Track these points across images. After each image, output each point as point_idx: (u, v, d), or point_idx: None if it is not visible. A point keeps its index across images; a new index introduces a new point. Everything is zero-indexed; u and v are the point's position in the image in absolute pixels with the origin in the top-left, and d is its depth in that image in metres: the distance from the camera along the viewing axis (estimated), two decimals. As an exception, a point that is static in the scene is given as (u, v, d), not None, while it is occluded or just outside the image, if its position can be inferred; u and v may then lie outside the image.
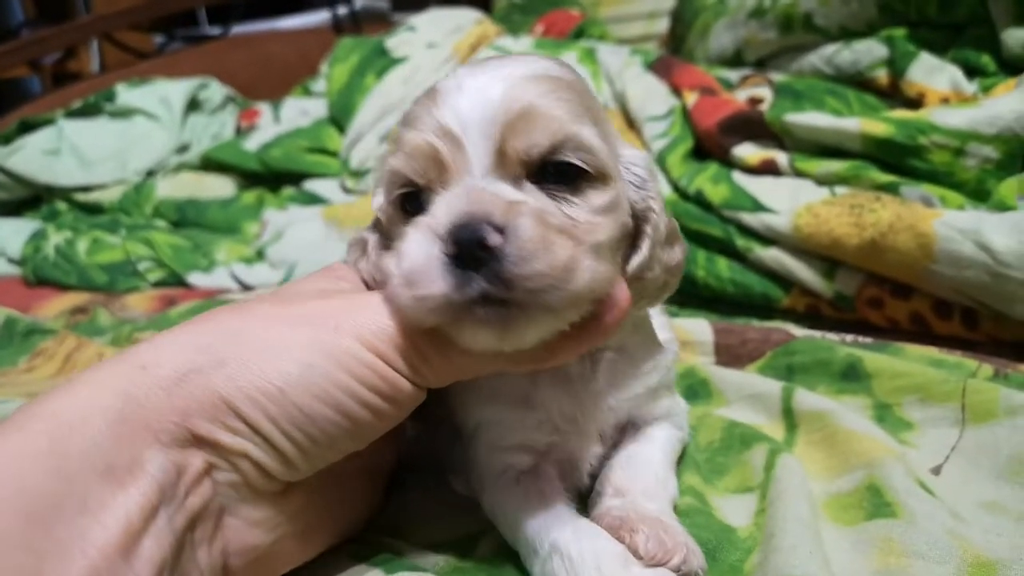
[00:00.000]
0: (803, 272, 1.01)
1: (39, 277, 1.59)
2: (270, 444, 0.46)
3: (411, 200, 0.50)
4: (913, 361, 0.75)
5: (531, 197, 0.46)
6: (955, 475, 0.63)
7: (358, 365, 0.47)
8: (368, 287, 0.56)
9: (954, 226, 0.85)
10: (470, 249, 0.43)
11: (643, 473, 0.59)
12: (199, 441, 0.45)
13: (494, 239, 0.42)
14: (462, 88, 0.49)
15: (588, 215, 0.48)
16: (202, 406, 0.44)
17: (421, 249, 0.44)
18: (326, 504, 0.53)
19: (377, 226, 0.57)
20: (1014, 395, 0.64)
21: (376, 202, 0.56)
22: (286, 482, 0.49)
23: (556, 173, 0.48)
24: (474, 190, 0.45)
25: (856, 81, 1.40)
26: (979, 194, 0.98)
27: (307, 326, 0.48)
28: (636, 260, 0.53)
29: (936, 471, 0.64)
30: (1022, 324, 0.84)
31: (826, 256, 0.99)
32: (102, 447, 0.41)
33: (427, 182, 0.48)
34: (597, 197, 0.48)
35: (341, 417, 0.47)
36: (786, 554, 0.50)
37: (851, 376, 0.75)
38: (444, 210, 0.45)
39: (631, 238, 0.53)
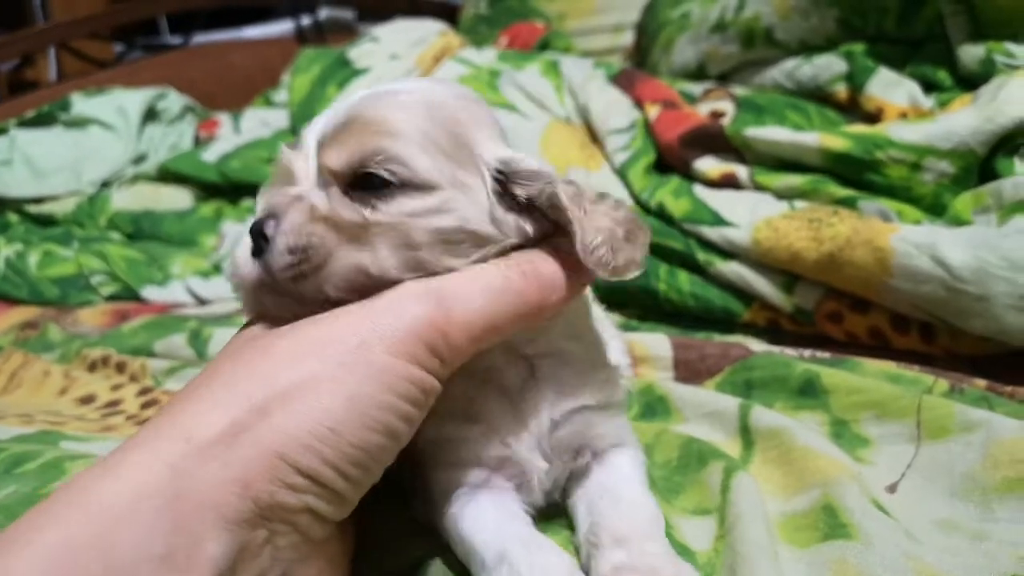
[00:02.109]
0: (763, 286, 1.00)
1: (-13, 291, 1.54)
2: (329, 490, 0.44)
3: None
4: (870, 376, 0.75)
5: (326, 198, 0.51)
6: (910, 493, 0.62)
7: (395, 379, 0.45)
8: None
9: (911, 241, 0.85)
10: (254, 237, 0.49)
11: (636, 514, 0.57)
12: (263, 509, 0.41)
13: (269, 228, 0.49)
14: (332, 106, 0.55)
15: (393, 218, 0.50)
16: (260, 468, 0.41)
17: (239, 248, 0.51)
18: (343, 535, 0.51)
19: None
20: (968, 411, 0.64)
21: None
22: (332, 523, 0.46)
23: (364, 182, 0.51)
24: (276, 192, 0.52)
25: (816, 96, 1.41)
26: (936, 208, 0.99)
27: (334, 353, 0.45)
28: (577, 238, 0.52)
29: (892, 489, 0.63)
30: (978, 339, 0.84)
31: (785, 270, 0.99)
32: (156, 535, 0.38)
33: (283, 181, 0.54)
34: (409, 202, 0.51)
35: (388, 438, 0.45)
36: None
37: (809, 392, 0.74)
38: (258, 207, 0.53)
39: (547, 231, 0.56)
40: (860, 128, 1.07)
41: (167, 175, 1.78)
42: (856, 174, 1.02)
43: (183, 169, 1.76)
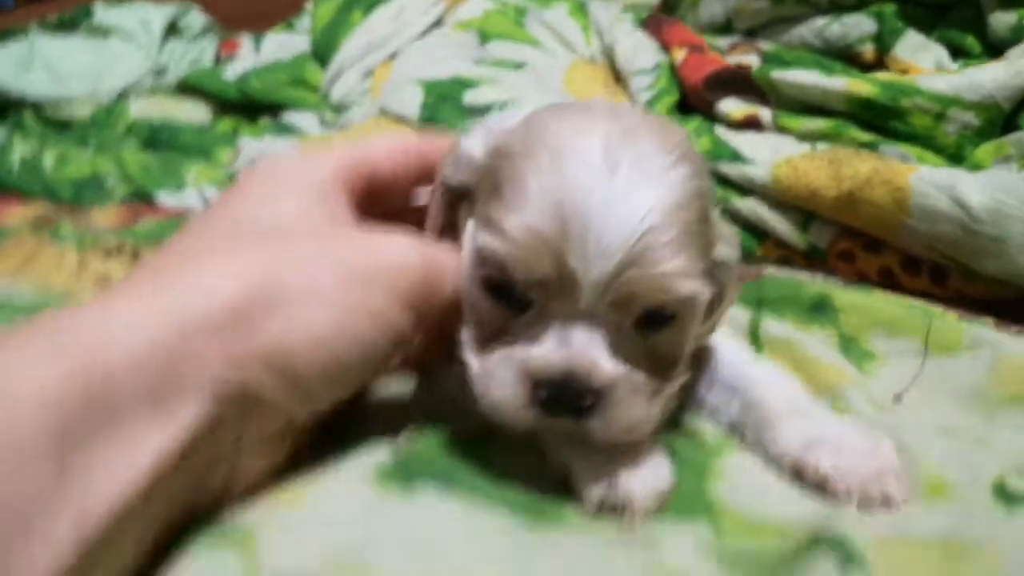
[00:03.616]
0: (778, 223, 1.01)
1: (1, 186, 1.54)
2: (307, 396, 0.45)
3: (505, 290, 0.49)
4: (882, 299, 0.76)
5: (627, 350, 0.47)
6: (915, 402, 0.63)
7: (384, 323, 0.47)
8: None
9: (930, 181, 0.86)
10: (562, 406, 0.46)
11: (786, 390, 0.60)
12: (243, 394, 0.42)
13: (586, 403, 0.46)
14: (597, 199, 0.44)
15: (670, 359, 0.50)
16: (253, 356, 0.42)
17: (511, 389, 0.47)
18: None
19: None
20: (977, 331, 0.66)
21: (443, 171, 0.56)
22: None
23: (654, 315, 0.48)
24: (579, 347, 0.46)
25: (843, 55, 1.40)
26: (957, 159, 0.99)
27: (345, 273, 0.46)
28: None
29: (897, 399, 0.64)
30: (989, 282, 0.85)
31: (802, 208, 1.00)
32: (145, 379, 0.38)
33: (531, 296, 0.48)
34: (681, 337, 0.51)
35: (367, 370, 0.48)
36: None
37: (820, 310, 0.75)
38: (544, 353, 0.46)
39: None
40: (888, 75, 1.07)
41: (186, 89, 1.78)
42: (880, 120, 1.02)
43: (203, 84, 1.76)
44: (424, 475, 0.49)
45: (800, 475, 0.53)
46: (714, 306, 0.54)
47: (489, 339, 0.50)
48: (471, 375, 0.49)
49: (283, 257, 0.45)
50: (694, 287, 0.47)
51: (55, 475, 0.34)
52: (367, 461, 0.50)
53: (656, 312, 0.48)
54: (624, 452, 0.50)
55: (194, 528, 0.43)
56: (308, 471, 0.49)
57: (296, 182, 0.51)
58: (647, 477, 0.50)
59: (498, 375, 0.47)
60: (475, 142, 0.53)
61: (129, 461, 0.36)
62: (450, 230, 0.56)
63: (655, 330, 0.49)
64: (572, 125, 0.47)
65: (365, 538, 0.43)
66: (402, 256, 0.48)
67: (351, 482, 0.48)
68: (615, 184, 0.44)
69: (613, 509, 0.49)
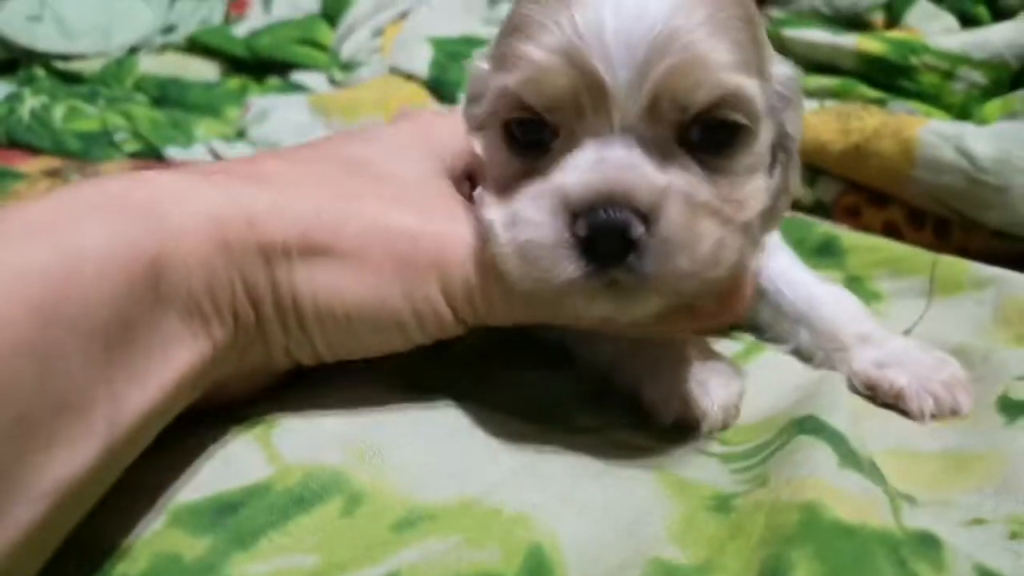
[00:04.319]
0: (785, 178, 1.02)
1: (11, 139, 1.55)
2: (312, 348, 0.45)
3: (526, 129, 0.43)
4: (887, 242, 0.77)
5: (678, 170, 0.40)
6: (922, 334, 0.64)
7: (430, 313, 0.44)
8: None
9: (937, 132, 0.87)
10: (607, 239, 0.37)
11: (850, 310, 0.61)
12: (259, 328, 0.42)
13: (637, 231, 0.37)
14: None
15: (738, 182, 0.42)
16: (277, 293, 0.42)
17: (543, 222, 0.39)
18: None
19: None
20: (981, 268, 0.66)
21: (468, 112, 0.49)
22: None
23: (707, 131, 0.40)
24: (617, 163, 0.39)
25: (853, 23, 1.40)
26: (964, 117, 1.00)
27: (394, 250, 0.43)
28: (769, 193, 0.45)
29: (906, 334, 0.65)
30: (991, 236, 0.86)
31: (809, 163, 1.00)
32: (194, 285, 0.38)
33: (556, 121, 0.41)
34: (747, 155, 0.42)
35: (384, 346, 0.46)
36: None
37: (827, 252, 0.76)
38: (577, 177, 0.39)
39: None
40: (898, 33, 1.08)
41: (196, 47, 1.79)
42: (889, 78, 1.03)
43: (212, 42, 1.76)
44: (437, 388, 0.49)
45: (874, 391, 0.55)
46: (778, 155, 0.46)
47: (511, 191, 0.42)
48: (489, 227, 0.42)
49: (367, 212, 0.44)
50: (741, 82, 0.39)
51: (102, 369, 0.34)
52: (378, 376, 0.50)
53: (707, 124, 0.40)
54: (693, 364, 0.50)
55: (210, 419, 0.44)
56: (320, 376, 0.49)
57: (428, 146, 0.51)
58: (718, 390, 0.50)
59: (526, 214, 0.40)
60: (480, 54, 0.50)
61: (158, 378, 0.36)
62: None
63: (711, 153, 0.41)
64: None
65: (376, 423, 0.44)
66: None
67: (365, 383, 0.49)
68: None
69: (687, 425, 0.49)
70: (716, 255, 0.38)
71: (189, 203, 0.39)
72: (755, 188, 0.42)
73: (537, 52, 0.39)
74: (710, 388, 0.50)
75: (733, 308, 0.46)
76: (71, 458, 0.32)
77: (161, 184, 0.39)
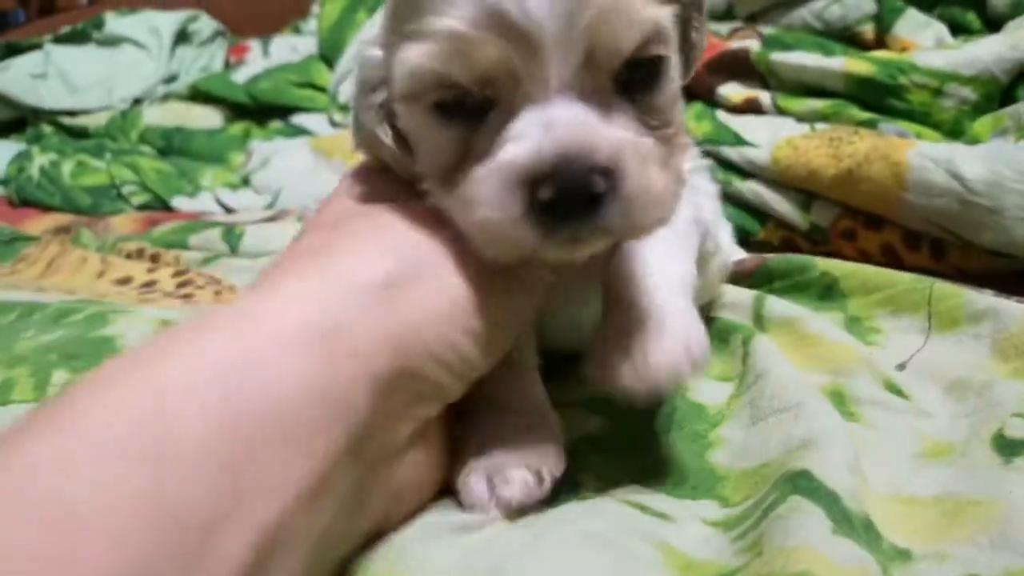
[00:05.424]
0: (780, 204, 1.03)
1: (22, 198, 1.59)
2: (451, 371, 0.41)
3: (451, 107, 0.41)
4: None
5: (621, 117, 0.40)
6: (920, 368, 0.64)
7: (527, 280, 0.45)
8: None
9: (927, 155, 0.87)
10: (572, 200, 0.37)
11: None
12: (404, 374, 0.38)
13: (600, 187, 0.37)
14: None
15: (666, 112, 0.42)
16: (408, 332, 0.38)
17: (498, 200, 0.38)
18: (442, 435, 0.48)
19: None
20: (977, 299, 0.66)
21: (367, 103, 0.46)
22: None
23: (634, 70, 0.40)
24: (566, 123, 0.38)
25: (844, 36, 1.42)
26: (955, 134, 1.01)
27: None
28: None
29: (901, 367, 0.66)
30: (987, 256, 0.86)
31: (803, 188, 1.01)
32: (314, 369, 0.34)
33: (489, 93, 0.39)
34: (668, 83, 0.42)
35: (516, 325, 0.45)
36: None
37: (827, 296, 0.76)
38: (528, 147, 0.38)
39: None
40: (885, 53, 1.09)
41: (198, 95, 1.82)
42: (878, 99, 1.04)
43: (214, 89, 1.79)
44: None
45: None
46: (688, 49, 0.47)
47: (457, 174, 0.41)
48: (445, 210, 0.41)
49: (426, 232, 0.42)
50: (660, 13, 0.40)
51: (230, 483, 0.30)
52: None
53: (634, 64, 0.40)
54: (645, 321, 0.45)
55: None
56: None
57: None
58: (675, 350, 0.44)
59: (481, 192, 0.38)
60: (365, 42, 0.47)
61: (301, 463, 0.32)
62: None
63: (641, 91, 0.41)
64: None
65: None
66: None
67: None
68: None
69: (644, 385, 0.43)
70: (665, 201, 0.40)
71: None
72: (677, 111, 0.44)
73: (457, 24, 0.37)
74: (664, 346, 0.44)
75: None
76: None
77: None
